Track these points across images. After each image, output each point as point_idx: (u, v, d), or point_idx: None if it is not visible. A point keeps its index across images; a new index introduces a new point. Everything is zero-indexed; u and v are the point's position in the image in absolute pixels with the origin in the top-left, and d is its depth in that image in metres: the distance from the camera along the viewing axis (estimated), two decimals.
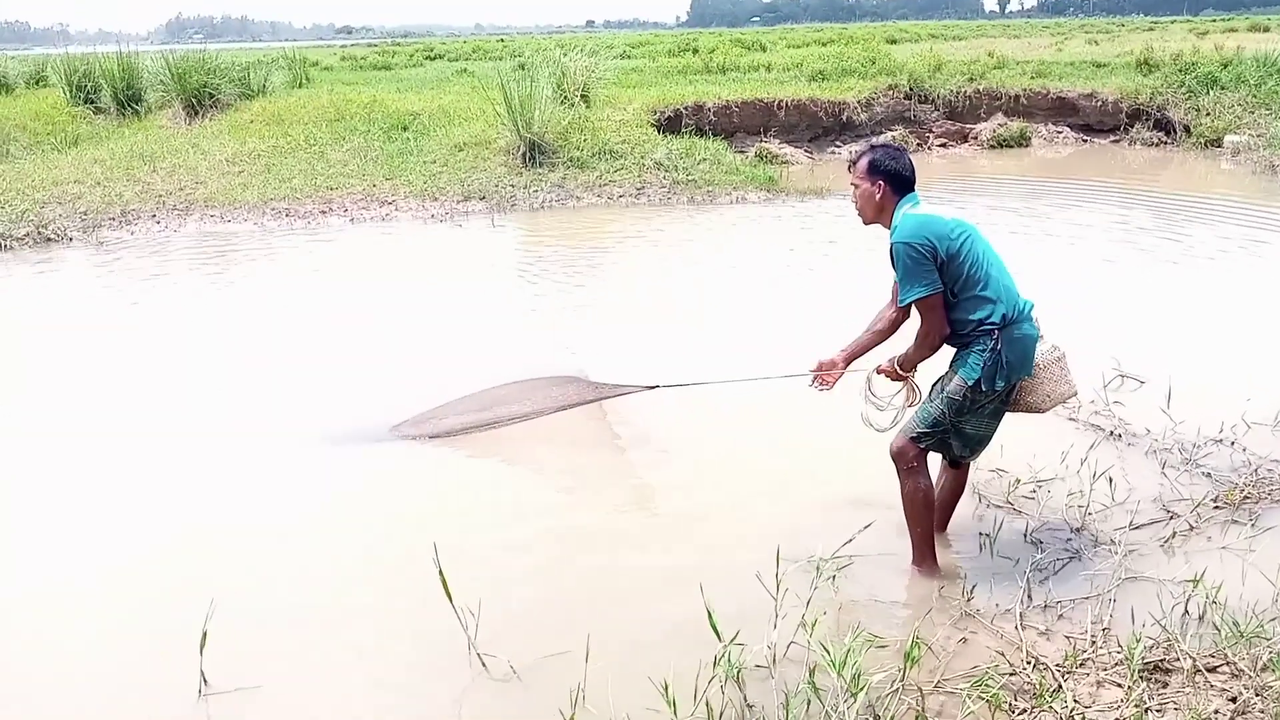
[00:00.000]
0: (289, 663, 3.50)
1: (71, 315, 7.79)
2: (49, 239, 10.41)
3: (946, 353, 3.73)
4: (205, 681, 3.30)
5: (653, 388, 4.92)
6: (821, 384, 4.02)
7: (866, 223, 3.78)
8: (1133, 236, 9.89)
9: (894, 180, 3.63)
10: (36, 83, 18.92)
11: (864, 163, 3.68)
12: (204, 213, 11.47)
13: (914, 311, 3.65)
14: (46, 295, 8.51)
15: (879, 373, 3.92)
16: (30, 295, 8.50)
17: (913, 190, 3.67)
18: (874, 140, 15.81)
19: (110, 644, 3.64)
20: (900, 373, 3.83)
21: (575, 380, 5.33)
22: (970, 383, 3.57)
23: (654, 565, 4.07)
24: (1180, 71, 17.08)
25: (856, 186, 3.71)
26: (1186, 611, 3.48)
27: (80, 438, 5.41)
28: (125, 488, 4.84)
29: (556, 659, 3.33)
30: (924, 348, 3.67)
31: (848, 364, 3.95)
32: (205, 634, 3.29)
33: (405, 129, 14.52)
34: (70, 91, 16.34)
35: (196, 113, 15.79)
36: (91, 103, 16.29)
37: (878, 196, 3.66)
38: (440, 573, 3.35)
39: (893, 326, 3.88)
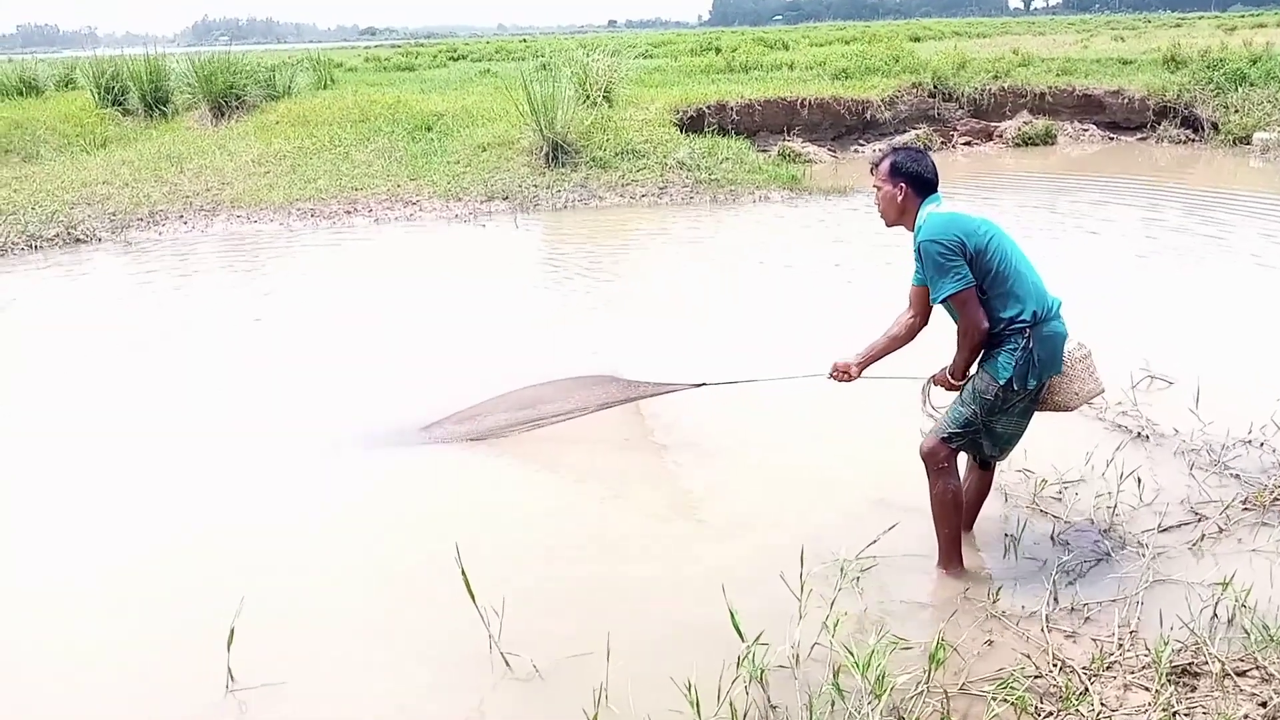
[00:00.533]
0: (315, 660, 3.52)
1: (101, 315, 7.87)
2: (78, 239, 10.54)
3: None
4: (232, 677, 3.33)
5: (699, 385, 4.90)
6: (841, 378, 3.95)
7: (889, 224, 3.76)
8: (1161, 234, 9.80)
9: (916, 182, 3.63)
10: (66, 85, 19.13)
11: (886, 165, 3.68)
12: (230, 213, 11.57)
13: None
14: (76, 296, 8.59)
15: (935, 383, 3.89)
16: (60, 295, 8.59)
17: (935, 191, 3.66)
18: (895, 142, 15.81)
19: (140, 638, 3.68)
20: (953, 382, 3.77)
21: (614, 379, 5.29)
22: (1002, 382, 3.55)
23: (677, 565, 4.06)
24: (1208, 68, 16.90)
25: (879, 189, 3.71)
26: (1215, 615, 3.44)
27: (111, 437, 5.48)
28: (154, 485, 4.89)
29: (580, 658, 3.34)
30: (966, 347, 3.63)
31: (862, 370, 3.88)
32: (233, 630, 3.32)
33: (429, 129, 14.59)
34: (99, 94, 16.52)
35: (223, 114, 15.96)
36: (119, 104, 16.49)
37: (900, 198, 3.66)
38: (462, 571, 3.37)
39: (910, 333, 3.80)
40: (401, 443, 5.24)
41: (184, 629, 3.69)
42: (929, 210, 3.60)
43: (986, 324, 3.54)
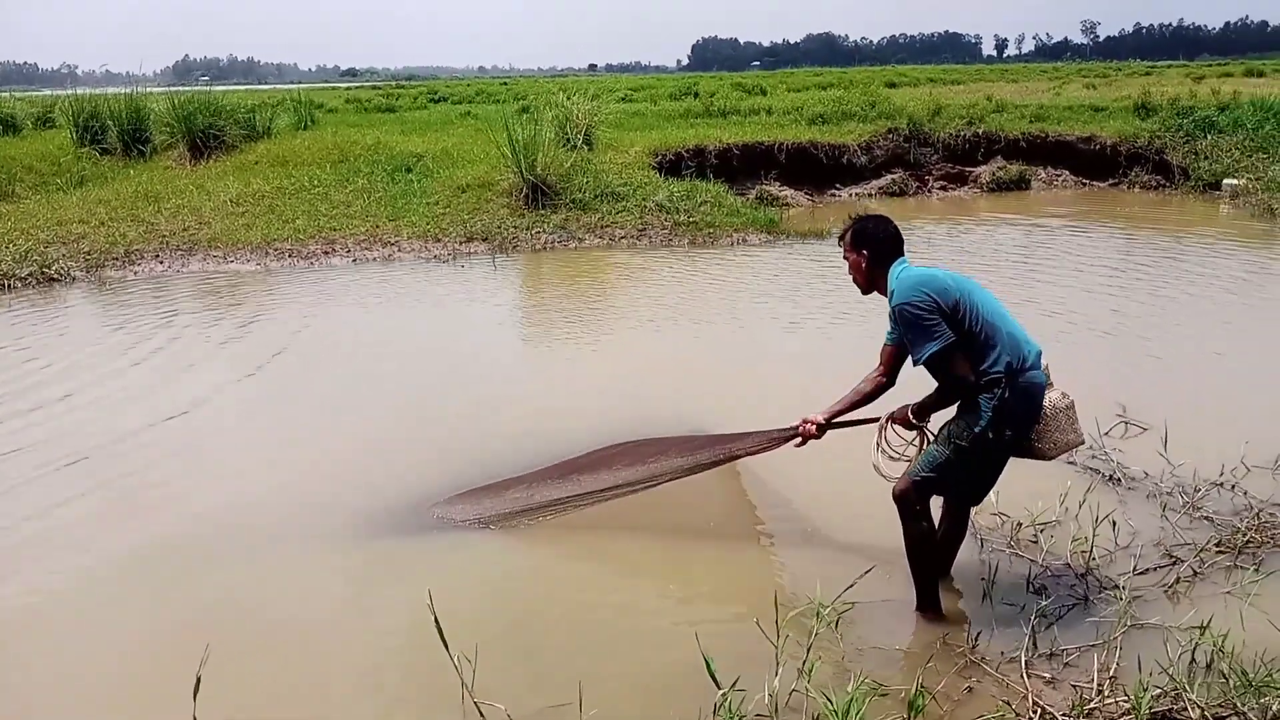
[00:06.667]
0: (285, 710, 3.45)
1: (70, 357, 7.76)
2: (52, 278, 10.44)
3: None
4: None
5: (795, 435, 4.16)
6: (804, 439, 4.06)
7: (864, 292, 3.86)
8: (1131, 279, 9.89)
9: (877, 249, 3.72)
10: (43, 123, 19.11)
11: (850, 235, 3.79)
12: (207, 253, 11.52)
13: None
14: (48, 336, 8.47)
15: (893, 422, 3.91)
16: (32, 336, 8.46)
17: (900, 255, 3.73)
18: (871, 186, 16.04)
19: (110, 682, 3.60)
20: (914, 421, 3.82)
21: (682, 439, 5.01)
22: (978, 430, 3.56)
23: (651, 613, 4.02)
24: (1178, 115, 17.26)
25: (848, 259, 3.81)
26: (1194, 659, 3.44)
27: (104, 487, 5.40)
28: (137, 538, 4.82)
29: (555, 709, 3.28)
30: (944, 400, 3.69)
31: (827, 426, 3.99)
32: (199, 679, 3.24)
33: (409, 170, 14.65)
34: (76, 132, 16.53)
35: (202, 154, 15.97)
36: (98, 143, 16.47)
37: (865, 265, 3.75)
38: (435, 619, 3.31)
39: (877, 391, 3.87)
40: (401, 515, 4.90)
41: (153, 677, 3.62)
42: (898, 273, 3.67)
43: (972, 378, 3.57)
